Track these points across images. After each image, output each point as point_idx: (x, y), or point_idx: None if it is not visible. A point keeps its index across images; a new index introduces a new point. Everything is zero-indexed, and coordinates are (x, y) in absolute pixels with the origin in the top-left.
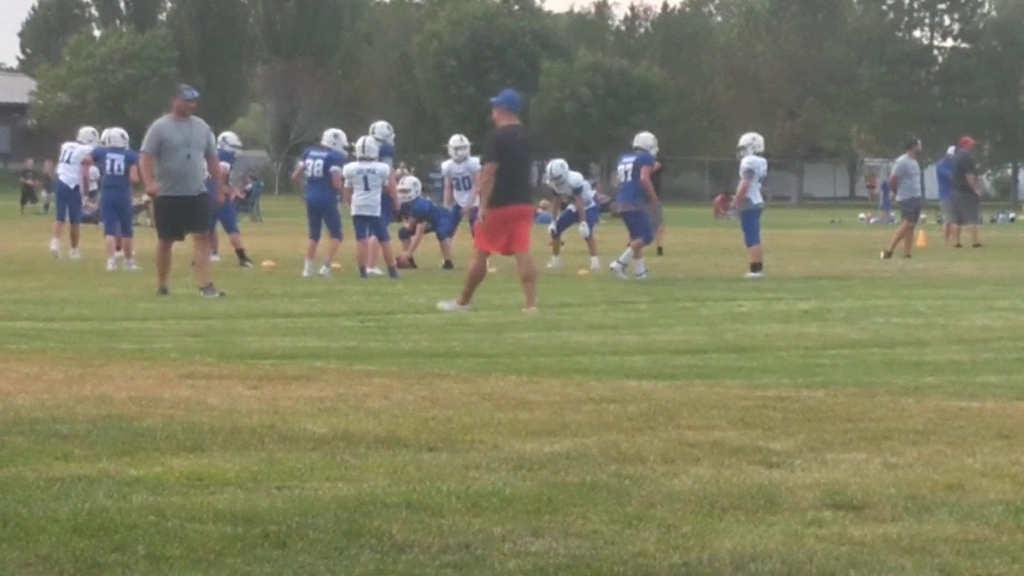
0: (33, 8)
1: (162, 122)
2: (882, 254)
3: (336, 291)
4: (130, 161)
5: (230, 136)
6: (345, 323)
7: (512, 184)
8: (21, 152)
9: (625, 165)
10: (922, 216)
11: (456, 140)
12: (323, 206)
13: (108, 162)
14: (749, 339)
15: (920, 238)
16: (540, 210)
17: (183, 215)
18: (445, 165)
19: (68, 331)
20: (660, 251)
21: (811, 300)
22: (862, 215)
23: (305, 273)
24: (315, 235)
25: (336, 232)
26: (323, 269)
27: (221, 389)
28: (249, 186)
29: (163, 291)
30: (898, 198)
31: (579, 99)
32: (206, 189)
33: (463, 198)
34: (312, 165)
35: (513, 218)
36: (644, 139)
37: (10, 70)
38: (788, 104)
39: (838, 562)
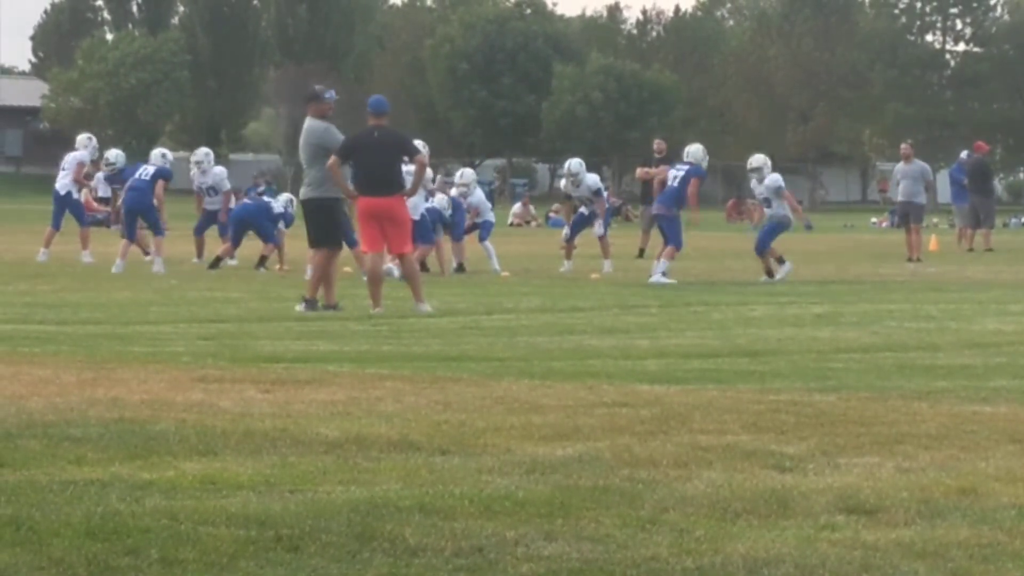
0: (45, 12)
1: (327, 126)
2: (908, 261)
3: (348, 295)
4: (160, 175)
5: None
6: (357, 327)
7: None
8: (33, 156)
9: (677, 171)
10: (934, 220)
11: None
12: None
13: (139, 170)
14: (761, 343)
15: (932, 242)
16: (552, 214)
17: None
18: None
19: (81, 334)
20: None
21: (824, 304)
22: (874, 219)
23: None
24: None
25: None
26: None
27: (234, 393)
28: (261, 189)
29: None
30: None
31: (591, 103)
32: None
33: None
34: None
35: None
36: (695, 152)
37: (22, 73)
38: (800, 108)
39: (851, 566)
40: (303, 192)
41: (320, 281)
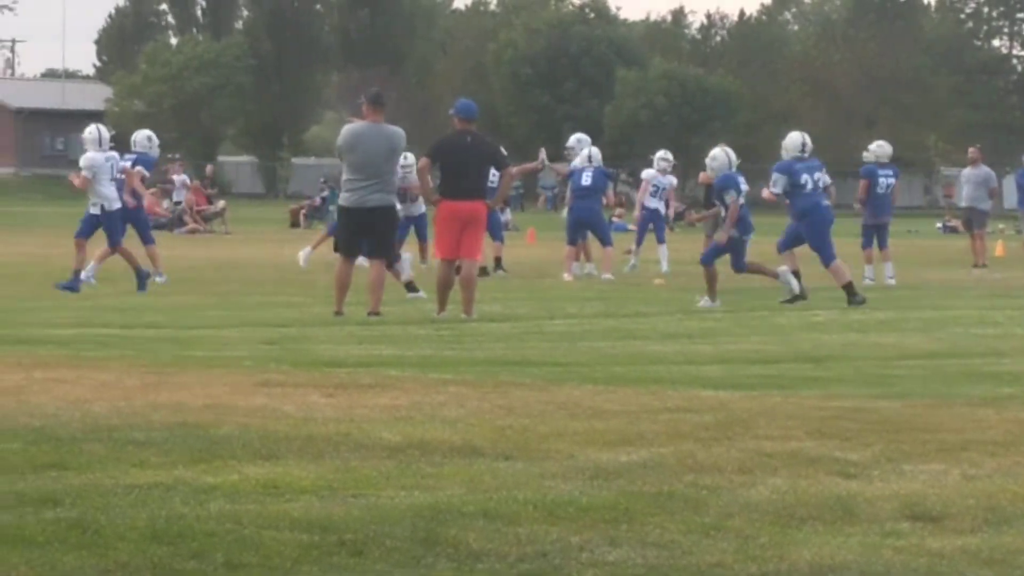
0: (110, 16)
1: (400, 130)
2: (974, 267)
3: (410, 300)
4: (136, 164)
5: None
6: (419, 331)
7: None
8: None
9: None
10: (1000, 226)
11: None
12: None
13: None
14: (825, 349)
15: (999, 247)
16: (616, 219)
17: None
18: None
19: (143, 338)
20: None
21: (887, 310)
22: (939, 224)
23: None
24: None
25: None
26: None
27: (296, 397)
28: (325, 193)
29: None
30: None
31: (654, 107)
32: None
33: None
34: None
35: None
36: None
37: (86, 78)
38: (864, 113)
39: (916, 574)
40: (376, 198)
41: (381, 291)
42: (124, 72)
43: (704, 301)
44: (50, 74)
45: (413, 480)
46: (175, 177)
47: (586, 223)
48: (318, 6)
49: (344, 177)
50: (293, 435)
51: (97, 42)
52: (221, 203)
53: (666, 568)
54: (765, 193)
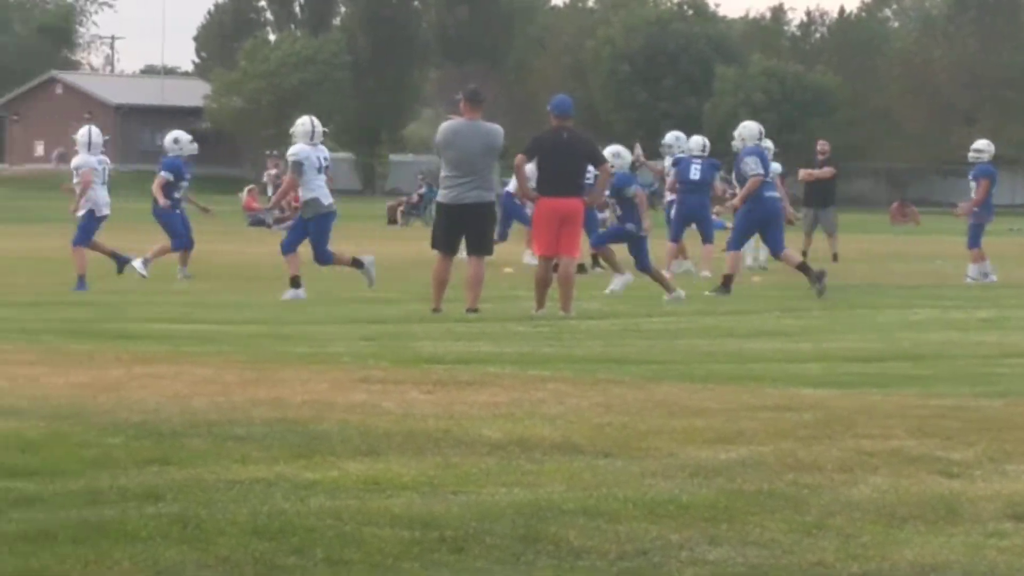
0: (209, 12)
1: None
2: None
3: (509, 296)
4: (163, 168)
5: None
6: (518, 328)
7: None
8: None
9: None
10: None
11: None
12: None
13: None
14: (925, 347)
15: None
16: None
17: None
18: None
19: (242, 334)
20: (835, 258)
21: (989, 309)
22: None
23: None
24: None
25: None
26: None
27: (396, 393)
28: (423, 190)
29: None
30: None
31: (753, 104)
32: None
33: None
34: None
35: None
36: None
37: (185, 74)
38: (965, 110)
39: (1020, 574)
40: (474, 195)
41: (479, 287)
42: (223, 69)
43: (614, 284)
44: (149, 71)
45: (514, 477)
46: (272, 172)
47: (693, 217)
48: (416, 3)
49: (442, 174)
50: (393, 431)
51: (196, 39)
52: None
53: (767, 567)
54: (750, 177)
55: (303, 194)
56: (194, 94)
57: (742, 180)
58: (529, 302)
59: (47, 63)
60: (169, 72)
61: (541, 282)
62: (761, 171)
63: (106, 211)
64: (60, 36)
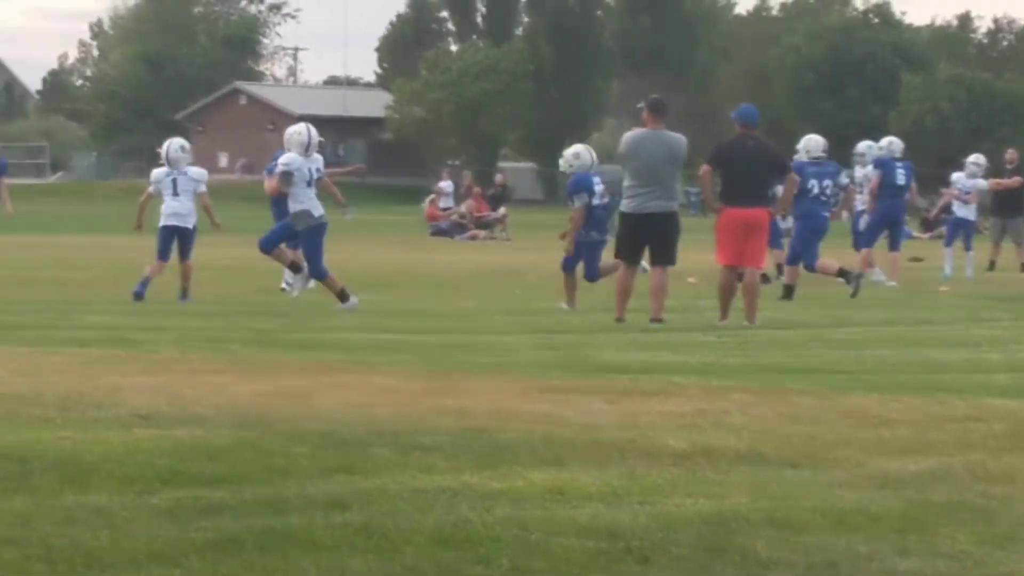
0: (391, 24)
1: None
2: None
3: (693, 306)
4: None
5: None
6: (702, 338)
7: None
8: (377, 166)
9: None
10: None
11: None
12: None
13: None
14: None
15: None
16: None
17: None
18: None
19: (425, 343)
20: None
21: None
22: None
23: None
24: None
25: None
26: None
27: (579, 403)
28: (605, 200)
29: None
30: None
31: (940, 113)
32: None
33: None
34: None
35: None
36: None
37: (367, 85)
38: None
39: None
40: (657, 205)
41: (664, 297)
42: (404, 79)
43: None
44: (332, 81)
45: (699, 487)
46: (442, 184)
47: (891, 222)
48: (599, 12)
49: (625, 184)
50: (577, 441)
51: (378, 49)
52: (502, 210)
53: None
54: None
55: (292, 206)
56: (376, 105)
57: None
58: (713, 312)
59: (231, 74)
60: (351, 83)
61: (726, 292)
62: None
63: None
64: (244, 47)
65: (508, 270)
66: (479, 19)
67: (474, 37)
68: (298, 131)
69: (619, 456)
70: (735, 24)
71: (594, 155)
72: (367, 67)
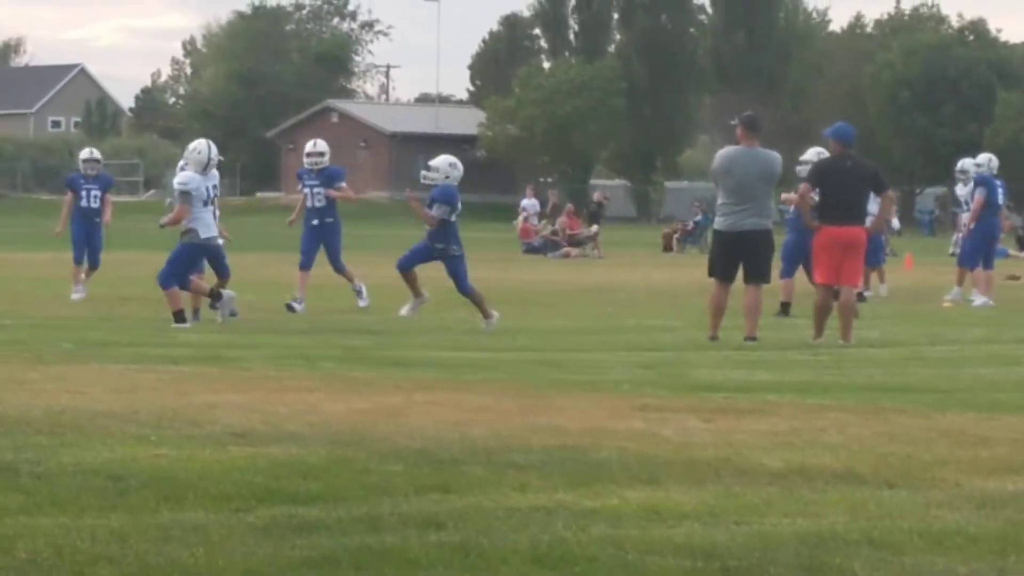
0: (483, 41)
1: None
2: None
3: (787, 325)
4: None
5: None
6: (797, 356)
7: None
8: (470, 183)
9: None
10: None
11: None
12: None
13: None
14: None
15: None
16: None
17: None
18: None
19: (519, 361)
20: None
21: None
22: None
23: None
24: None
25: None
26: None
27: (674, 422)
28: (698, 217)
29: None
30: None
31: None
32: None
33: None
34: None
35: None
36: None
37: (459, 102)
38: None
39: None
40: (751, 223)
41: (758, 315)
42: (497, 96)
43: (406, 308)
44: (424, 99)
45: (796, 507)
46: (524, 202)
47: (993, 241)
48: (692, 29)
49: (719, 201)
50: (673, 460)
51: (471, 67)
52: (594, 227)
53: None
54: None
55: (184, 223)
56: (468, 122)
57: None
58: (807, 330)
59: (323, 92)
60: (444, 100)
61: (821, 310)
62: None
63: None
64: (336, 65)
65: (600, 288)
66: (571, 36)
67: (566, 54)
68: (198, 148)
69: (715, 475)
70: (829, 41)
71: (459, 167)
72: (459, 84)
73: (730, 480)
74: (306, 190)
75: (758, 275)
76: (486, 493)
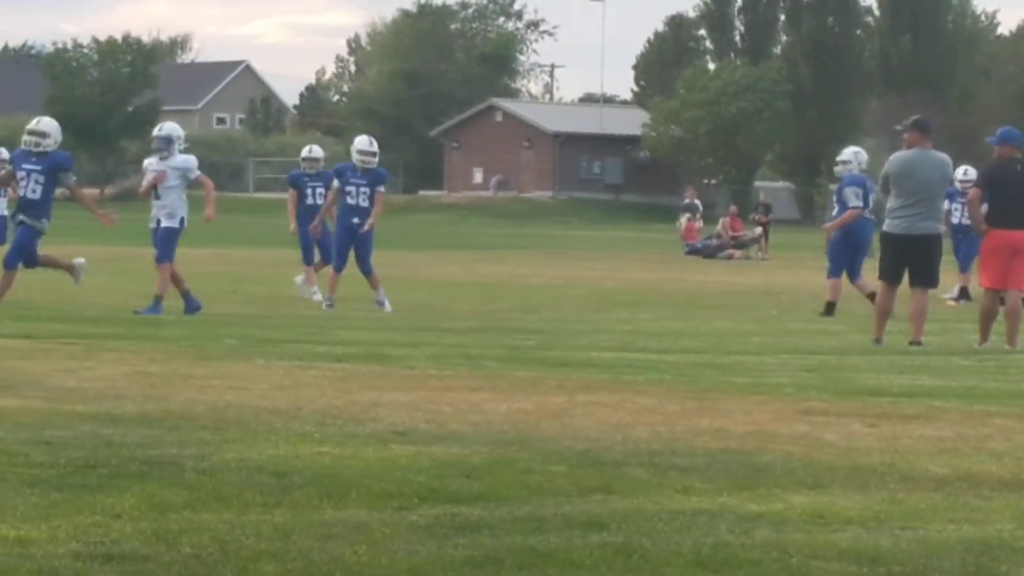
0: (648, 42)
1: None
2: None
3: (952, 329)
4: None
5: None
6: (962, 362)
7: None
8: (632, 184)
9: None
10: None
11: None
12: None
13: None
14: None
15: None
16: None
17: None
18: None
19: (682, 363)
20: None
21: None
22: None
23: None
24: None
25: None
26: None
27: (839, 426)
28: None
29: (877, 341)
30: None
31: None
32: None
33: None
34: None
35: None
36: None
37: (624, 103)
38: None
39: None
40: (926, 226)
41: (924, 320)
42: (661, 97)
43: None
44: (588, 99)
45: (961, 513)
46: (685, 202)
47: None
48: (859, 31)
49: (890, 204)
50: (837, 464)
51: (635, 67)
52: (758, 230)
53: None
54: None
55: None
56: (632, 123)
57: (843, 205)
58: (972, 335)
59: (487, 91)
60: (608, 100)
61: (987, 315)
62: (860, 204)
63: None
64: (501, 64)
65: (763, 290)
66: (737, 37)
67: (732, 56)
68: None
69: (879, 480)
70: (997, 44)
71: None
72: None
73: (895, 486)
74: (351, 188)
75: (926, 279)
76: (649, 495)
